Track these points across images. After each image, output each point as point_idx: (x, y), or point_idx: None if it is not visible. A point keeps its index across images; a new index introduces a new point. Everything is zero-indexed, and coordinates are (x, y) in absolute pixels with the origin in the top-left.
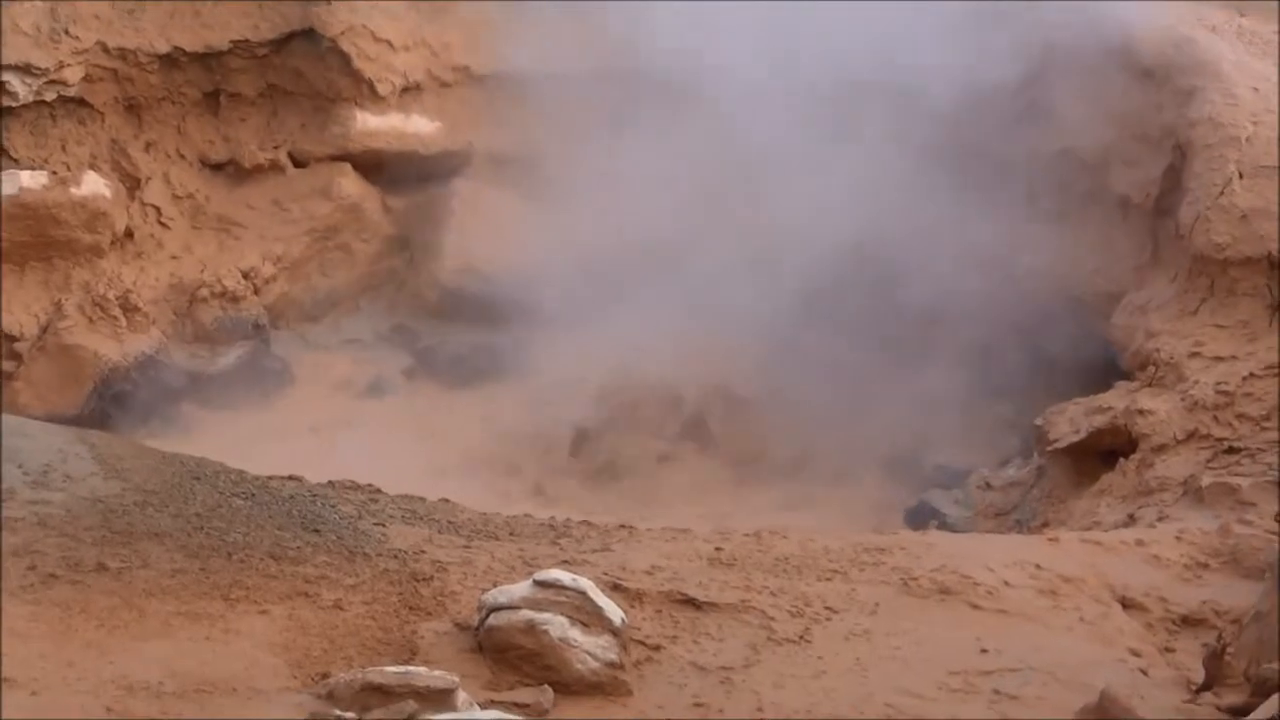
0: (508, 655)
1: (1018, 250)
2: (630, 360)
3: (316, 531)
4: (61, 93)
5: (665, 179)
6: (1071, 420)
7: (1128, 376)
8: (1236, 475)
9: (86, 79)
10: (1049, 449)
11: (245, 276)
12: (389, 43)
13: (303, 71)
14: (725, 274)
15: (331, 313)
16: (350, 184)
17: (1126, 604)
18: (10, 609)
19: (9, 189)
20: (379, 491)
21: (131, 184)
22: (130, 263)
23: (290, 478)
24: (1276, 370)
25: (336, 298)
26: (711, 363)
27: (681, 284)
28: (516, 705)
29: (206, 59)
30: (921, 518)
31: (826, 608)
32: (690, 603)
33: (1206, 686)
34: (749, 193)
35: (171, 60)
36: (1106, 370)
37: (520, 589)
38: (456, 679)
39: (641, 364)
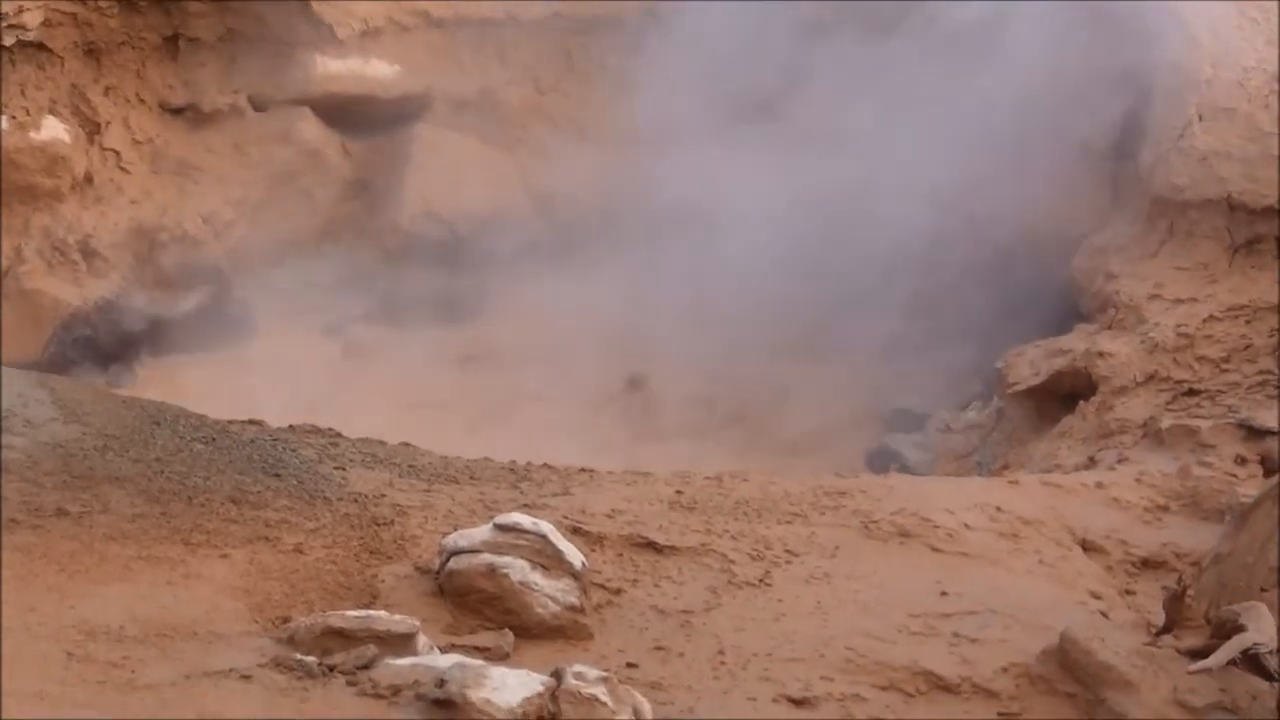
0: (468, 599)
1: (976, 193)
2: (585, 308)
3: (277, 476)
4: (20, 37)
5: (628, 123)
6: (1031, 363)
7: (1088, 319)
8: (1196, 418)
9: (46, 23)
10: (1009, 392)
11: (205, 221)
12: None
13: (262, 15)
14: (681, 222)
15: (292, 257)
16: (310, 128)
17: (1087, 546)
18: None
19: None
20: (339, 435)
21: (91, 129)
22: (90, 207)
23: (250, 422)
24: (1236, 312)
25: (297, 242)
26: (665, 310)
27: (640, 231)
28: (477, 649)
29: (165, 3)
30: (882, 461)
31: (787, 551)
32: (651, 546)
33: (1166, 629)
34: (710, 135)
35: (131, 4)
36: (1066, 313)
37: (481, 533)
38: (417, 623)
39: (595, 312)
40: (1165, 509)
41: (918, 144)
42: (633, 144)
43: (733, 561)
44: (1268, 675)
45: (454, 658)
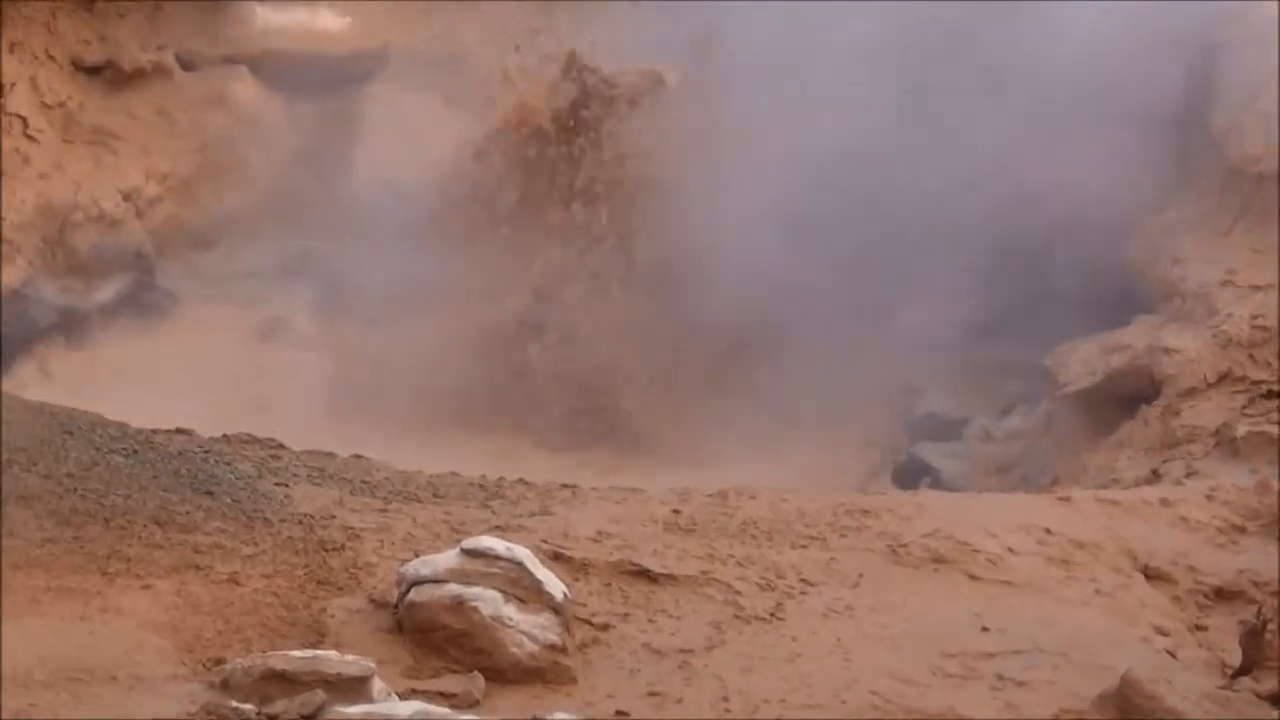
0: (432, 636)
1: (1020, 165)
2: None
3: (209, 494)
4: None
5: None
6: (1085, 360)
7: (1150, 309)
8: (1276, 424)
9: None
10: (1059, 394)
11: (126, 198)
12: None
13: None
14: (683, 189)
15: (227, 239)
16: (248, 90)
17: (1150, 574)
18: None
19: None
20: (281, 447)
21: None
22: None
23: (178, 431)
24: None
25: (233, 221)
26: (664, 295)
27: (643, 203)
28: (442, 695)
29: None
30: (911, 474)
31: (802, 580)
32: (644, 574)
33: (1244, 670)
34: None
35: None
36: (1125, 302)
37: (446, 559)
38: (372, 665)
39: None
40: (1241, 530)
41: (951, 110)
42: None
43: (739, 592)
44: None
45: (415, 705)
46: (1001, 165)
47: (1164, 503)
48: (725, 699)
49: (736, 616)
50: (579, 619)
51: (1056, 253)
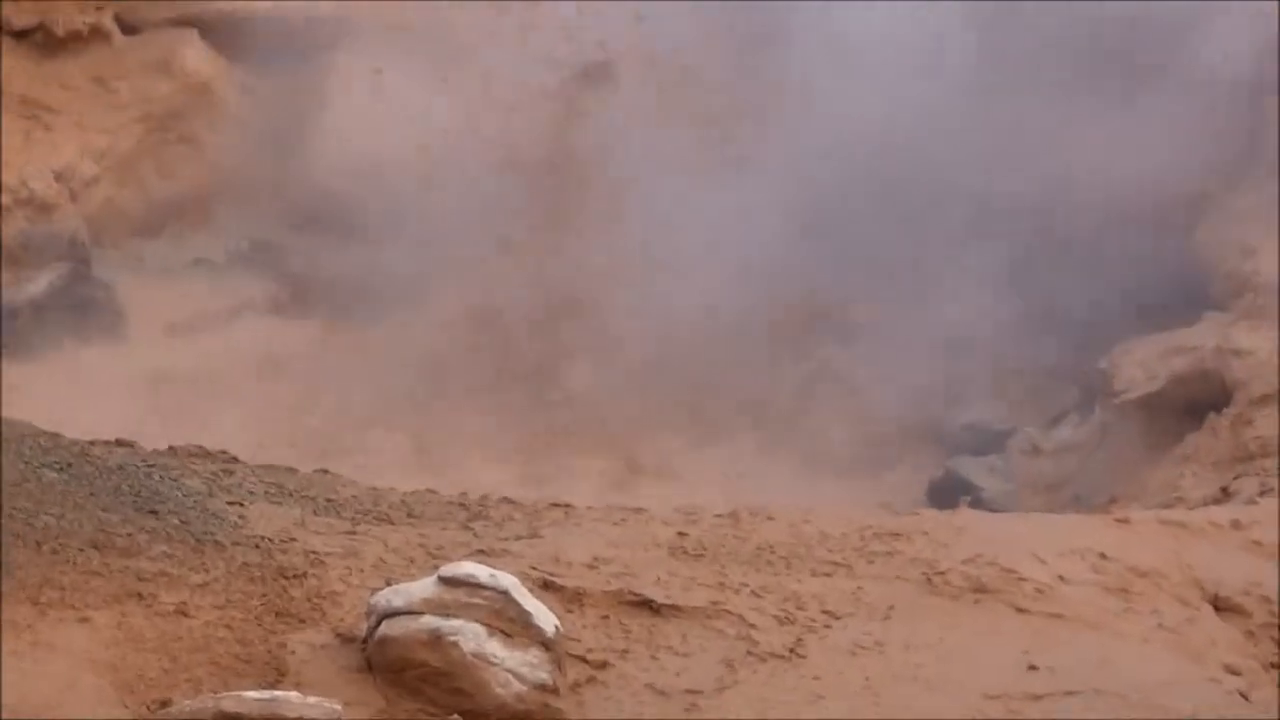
0: (405, 676)
1: (1069, 141)
2: (565, 282)
3: (153, 513)
4: None
5: None
6: (1144, 363)
7: (1218, 306)
8: None
9: None
10: (1116, 401)
11: (59, 178)
12: None
13: None
14: (693, 172)
15: (173, 225)
16: (197, 57)
17: (1220, 605)
18: None
19: None
20: (235, 460)
21: None
22: None
23: (119, 443)
24: None
25: (180, 206)
26: (669, 291)
27: (635, 187)
28: None
29: None
30: (949, 492)
31: (824, 612)
32: (646, 605)
33: None
34: (728, 63)
35: None
36: (1189, 298)
37: (421, 588)
38: (338, 707)
39: (579, 287)
40: None
41: (990, 77)
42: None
43: (754, 626)
44: None
45: None
46: (1047, 139)
47: (1235, 524)
48: None
49: (750, 653)
50: (572, 656)
51: (1111, 241)
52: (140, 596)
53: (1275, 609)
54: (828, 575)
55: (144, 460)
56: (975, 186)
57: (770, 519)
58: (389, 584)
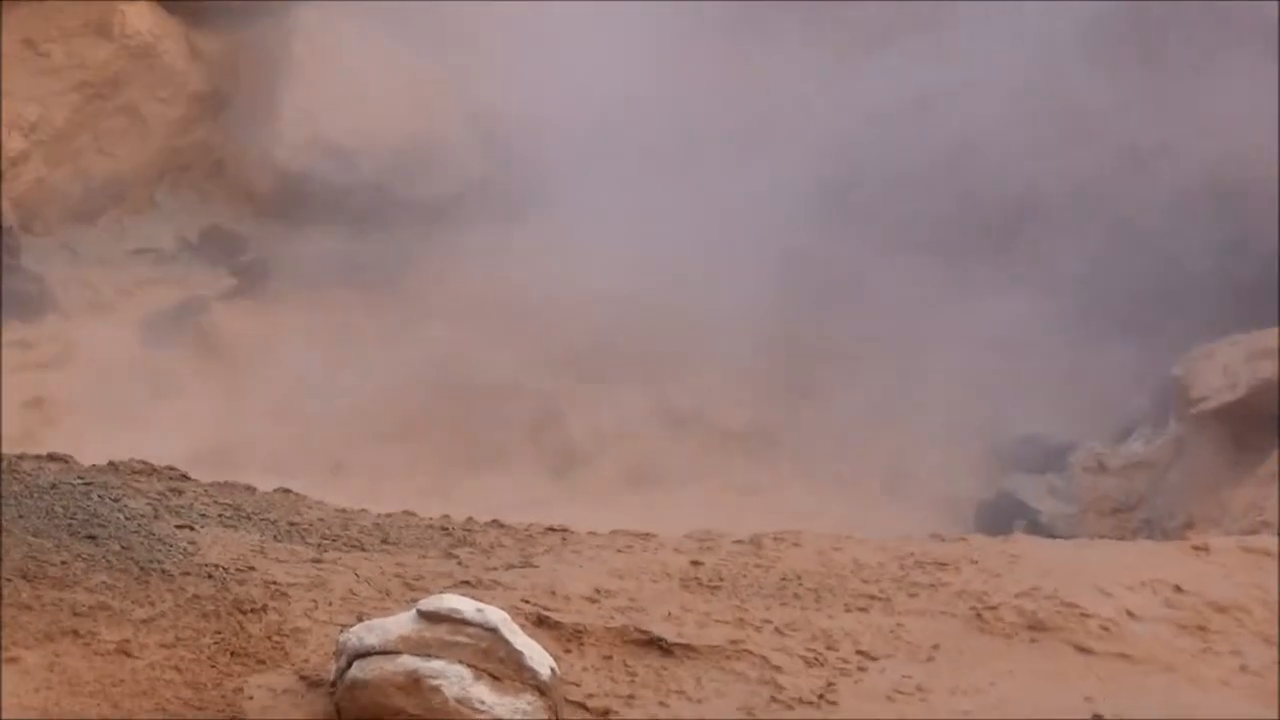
0: None
1: (1134, 114)
2: (563, 275)
3: (91, 538)
4: None
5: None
6: (1226, 369)
7: None
8: None
9: None
10: (1193, 412)
11: None
12: None
13: None
14: (709, 151)
15: (113, 209)
16: (140, 15)
17: None
18: None
19: None
20: (185, 477)
21: None
22: None
23: (51, 457)
24: None
25: (121, 187)
26: (681, 283)
27: (646, 166)
28: None
29: None
30: (1002, 516)
31: (859, 652)
32: (655, 644)
33: None
34: (743, 28)
35: None
36: (1275, 293)
37: (398, 624)
38: None
39: (579, 283)
40: None
41: (1040, 40)
42: (623, 41)
43: (778, 668)
44: None
45: None
46: (1112, 114)
47: None
48: None
49: (775, 699)
50: (571, 701)
51: (1186, 228)
52: (76, 634)
53: None
54: (863, 610)
55: (80, 477)
56: (1021, 166)
57: (796, 545)
58: (361, 619)
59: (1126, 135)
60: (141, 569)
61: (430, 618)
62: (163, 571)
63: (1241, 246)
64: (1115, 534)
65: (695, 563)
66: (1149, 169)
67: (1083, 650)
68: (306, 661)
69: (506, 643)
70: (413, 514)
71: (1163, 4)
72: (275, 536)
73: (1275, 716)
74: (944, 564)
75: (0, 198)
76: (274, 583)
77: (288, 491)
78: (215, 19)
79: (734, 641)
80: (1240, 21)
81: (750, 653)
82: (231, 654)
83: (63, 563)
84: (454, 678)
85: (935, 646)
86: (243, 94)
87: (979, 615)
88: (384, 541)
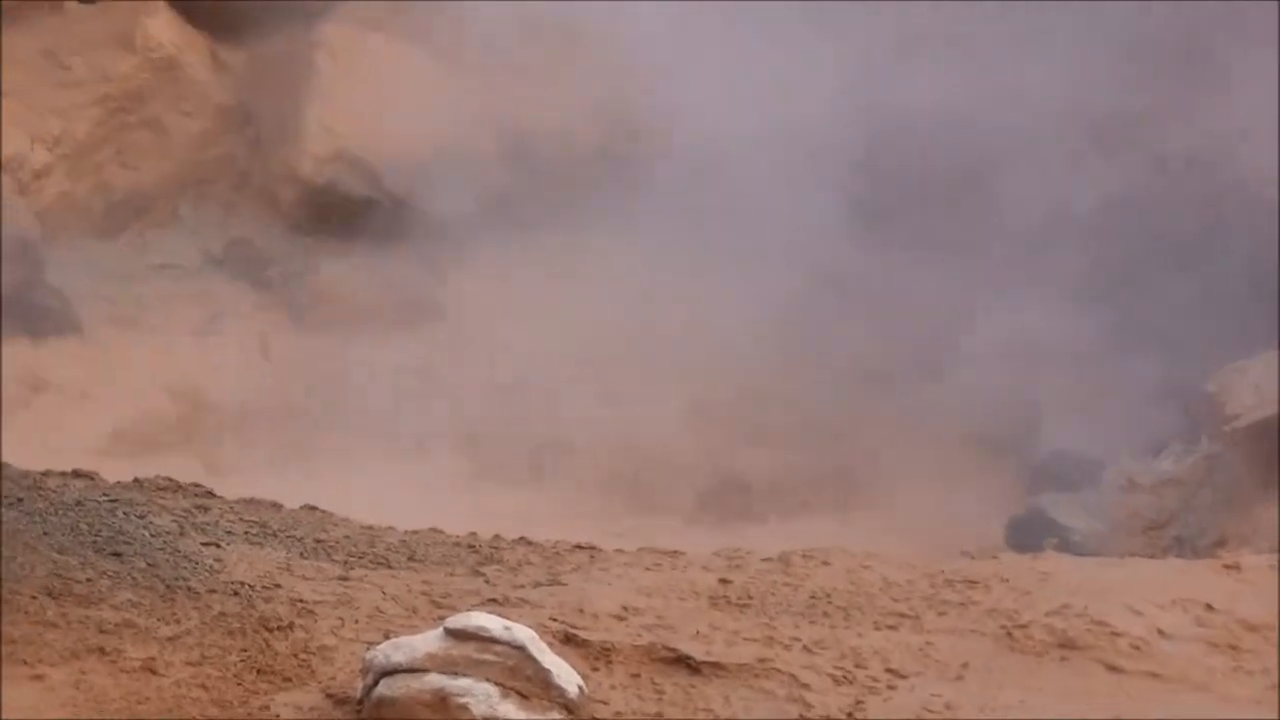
0: None
1: (1162, 121)
2: (592, 298)
3: (117, 556)
4: None
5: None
6: (1258, 386)
7: None
8: None
9: None
10: (1226, 428)
11: (5, 168)
12: None
13: None
14: (733, 165)
15: (136, 224)
16: (163, 28)
17: None
18: None
19: None
20: (210, 494)
21: None
22: None
23: (76, 474)
24: None
25: (144, 201)
26: (708, 305)
27: (666, 183)
28: None
29: None
30: (1032, 533)
31: (889, 670)
32: (683, 663)
33: None
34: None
35: None
36: None
37: (426, 642)
38: None
39: (609, 304)
40: None
41: (1067, 47)
42: (648, 53)
43: (807, 686)
44: None
45: None
46: (1144, 125)
47: None
48: None
49: (803, 717)
50: None
51: (1220, 239)
52: (102, 651)
53: None
54: (892, 628)
55: (106, 494)
56: (1048, 176)
57: (825, 563)
58: (387, 637)
59: (1158, 146)
60: (167, 586)
61: (458, 635)
62: (188, 589)
63: (1268, 259)
64: (1146, 552)
65: (724, 580)
66: (1181, 181)
67: (1113, 669)
68: (333, 679)
69: (534, 661)
70: (439, 531)
71: (1195, 13)
72: (301, 554)
73: None
74: (974, 582)
75: (0, 208)
76: (300, 600)
77: (314, 508)
78: (239, 31)
79: (762, 660)
80: (1273, 30)
81: (779, 671)
82: (258, 672)
83: (88, 580)
84: (481, 696)
85: (965, 665)
86: (267, 107)
87: (1009, 633)
88: (410, 559)
